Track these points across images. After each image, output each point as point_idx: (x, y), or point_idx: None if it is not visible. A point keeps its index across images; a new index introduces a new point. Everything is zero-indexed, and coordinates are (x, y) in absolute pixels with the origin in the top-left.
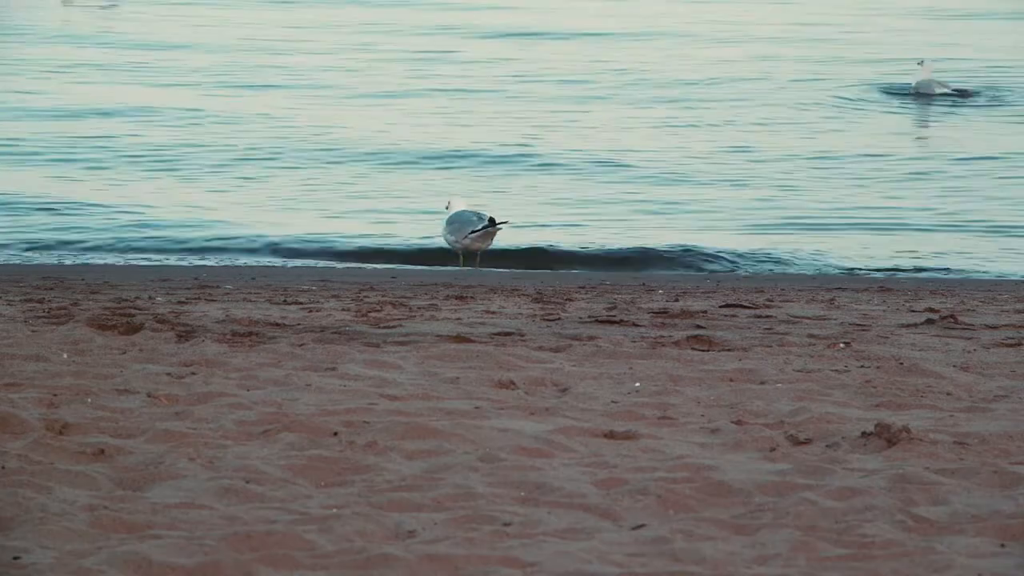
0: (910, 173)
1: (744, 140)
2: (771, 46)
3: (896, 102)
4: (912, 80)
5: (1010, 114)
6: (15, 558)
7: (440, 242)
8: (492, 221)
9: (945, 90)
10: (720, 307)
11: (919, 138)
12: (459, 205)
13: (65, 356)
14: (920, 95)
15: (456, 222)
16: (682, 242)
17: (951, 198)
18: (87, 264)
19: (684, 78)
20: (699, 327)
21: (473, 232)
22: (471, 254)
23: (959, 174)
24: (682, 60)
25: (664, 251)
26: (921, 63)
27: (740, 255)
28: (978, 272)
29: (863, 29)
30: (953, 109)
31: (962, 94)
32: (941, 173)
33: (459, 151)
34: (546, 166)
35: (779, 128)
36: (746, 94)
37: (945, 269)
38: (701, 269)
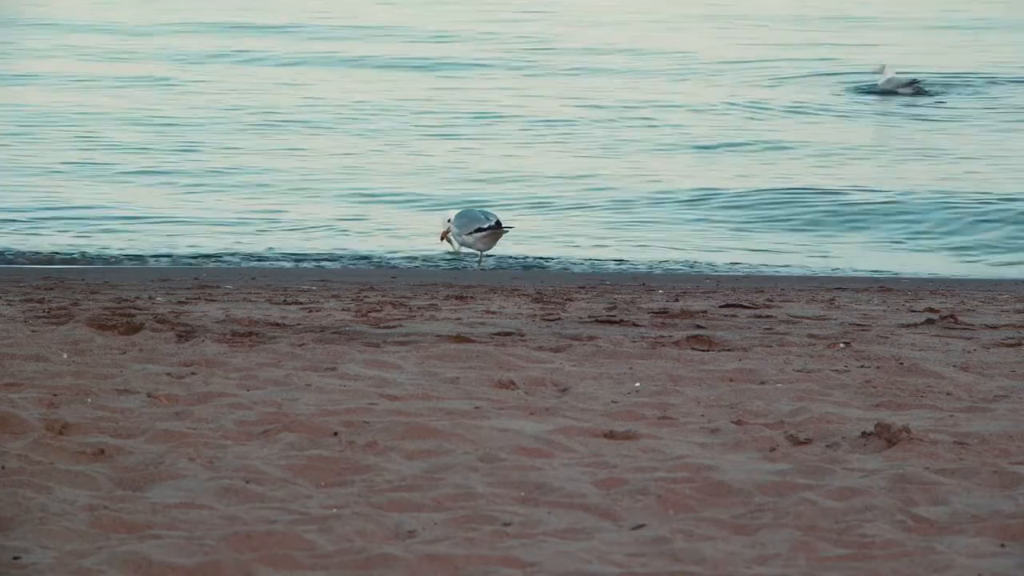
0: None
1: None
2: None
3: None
4: (878, 80)
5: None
6: (15, 558)
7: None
8: (499, 223)
9: (907, 90)
10: (720, 307)
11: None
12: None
13: (65, 356)
14: (885, 92)
15: (464, 217)
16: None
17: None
18: (87, 264)
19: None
20: (699, 327)
21: (479, 230)
22: (473, 252)
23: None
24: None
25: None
26: (881, 70)
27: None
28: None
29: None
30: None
31: (919, 90)
32: None
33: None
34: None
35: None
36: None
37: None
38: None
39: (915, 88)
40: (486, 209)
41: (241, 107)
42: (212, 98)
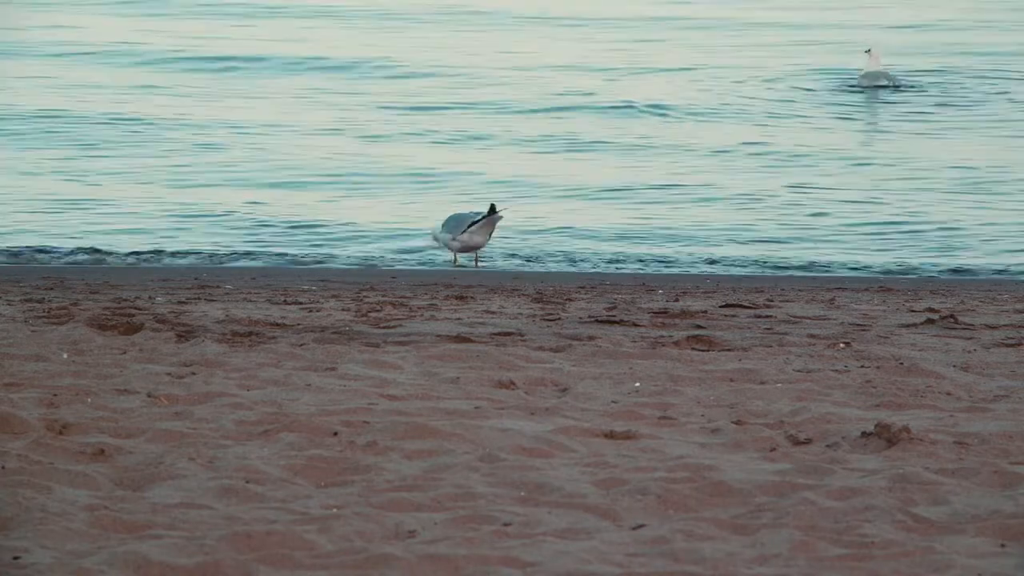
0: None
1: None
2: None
3: (840, 96)
4: (859, 68)
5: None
6: (15, 558)
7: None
8: (492, 209)
9: (889, 83)
10: (720, 307)
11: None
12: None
13: (65, 356)
14: (865, 87)
15: (453, 220)
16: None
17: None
18: (88, 264)
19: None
20: (699, 327)
21: (473, 223)
22: (470, 252)
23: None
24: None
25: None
26: (868, 51)
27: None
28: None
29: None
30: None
31: (900, 86)
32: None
33: None
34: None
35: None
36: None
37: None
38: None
39: (891, 81)
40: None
41: None
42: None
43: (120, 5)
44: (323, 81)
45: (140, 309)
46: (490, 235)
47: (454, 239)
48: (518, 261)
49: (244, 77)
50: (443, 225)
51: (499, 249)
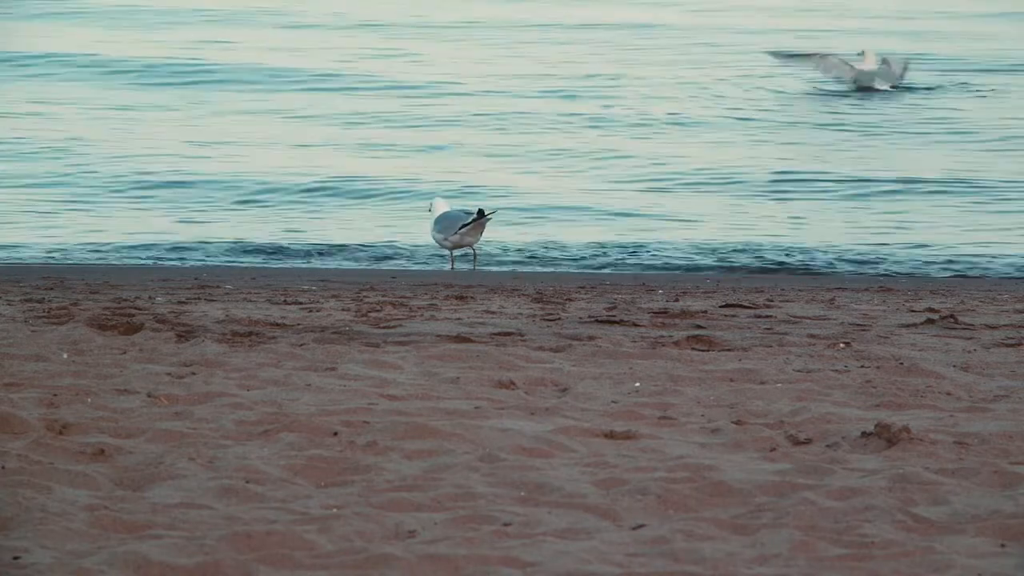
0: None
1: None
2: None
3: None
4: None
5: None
6: (15, 558)
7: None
8: (481, 212)
9: (887, 82)
10: (720, 307)
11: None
12: (442, 206)
13: (65, 356)
14: (862, 87)
15: (445, 220)
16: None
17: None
18: (87, 264)
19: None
20: (699, 327)
21: (464, 226)
22: (461, 248)
23: None
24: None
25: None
26: (862, 53)
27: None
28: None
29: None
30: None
31: (900, 81)
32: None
33: None
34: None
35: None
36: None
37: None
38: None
39: (890, 79)
40: (461, 209)
41: None
42: None
43: (105, 17)
44: (304, 94)
45: (140, 309)
46: (480, 234)
47: (446, 239)
48: (518, 261)
49: (214, 90)
50: (435, 223)
51: (499, 249)
